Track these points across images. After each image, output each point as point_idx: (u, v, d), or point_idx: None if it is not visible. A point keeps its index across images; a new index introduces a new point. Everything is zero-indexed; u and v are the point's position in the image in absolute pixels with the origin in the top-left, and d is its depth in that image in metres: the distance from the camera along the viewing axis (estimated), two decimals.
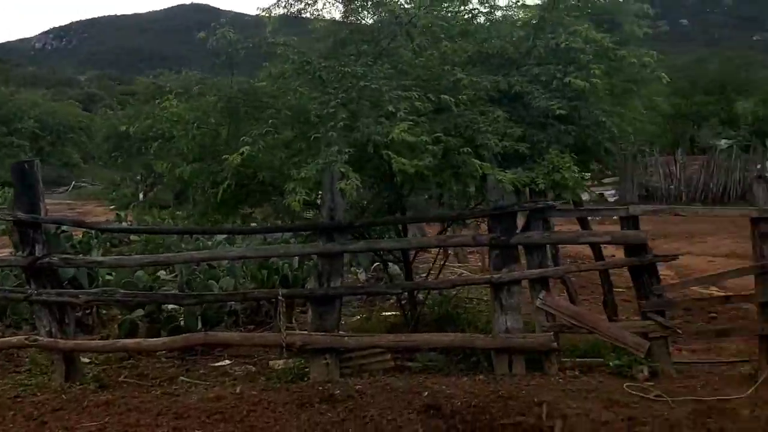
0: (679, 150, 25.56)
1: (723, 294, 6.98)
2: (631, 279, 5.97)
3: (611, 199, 24.28)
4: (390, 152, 4.78)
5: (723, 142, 25.15)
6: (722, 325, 6.67)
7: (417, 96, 4.94)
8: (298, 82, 5.55)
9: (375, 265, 10.90)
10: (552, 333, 5.76)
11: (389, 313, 8.49)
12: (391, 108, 4.76)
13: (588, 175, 7.56)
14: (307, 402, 5.52)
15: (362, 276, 11.23)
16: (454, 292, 8.14)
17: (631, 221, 5.77)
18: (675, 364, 6.24)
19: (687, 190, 23.25)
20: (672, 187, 23.59)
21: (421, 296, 7.34)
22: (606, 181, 28.63)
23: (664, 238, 16.61)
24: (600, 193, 25.80)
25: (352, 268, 10.86)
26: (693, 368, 6.20)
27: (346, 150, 4.78)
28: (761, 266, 5.47)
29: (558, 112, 5.51)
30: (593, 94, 5.74)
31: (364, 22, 6.64)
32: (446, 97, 5.13)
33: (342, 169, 4.81)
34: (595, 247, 6.28)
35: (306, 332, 6.05)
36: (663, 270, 12.98)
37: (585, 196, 23.55)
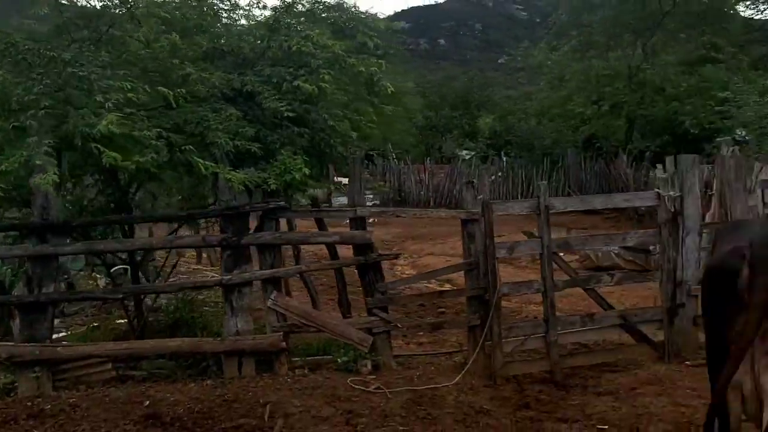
0: (429, 159, 27.53)
1: (440, 289, 7.53)
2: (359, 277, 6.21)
3: (369, 203, 25.43)
4: (100, 146, 4.45)
5: (464, 153, 27.60)
6: (439, 319, 7.20)
7: (131, 87, 4.65)
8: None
9: (115, 269, 10.22)
10: (282, 333, 5.79)
11: (124, 321, 8.00)
12: (100, 98, 4.44)
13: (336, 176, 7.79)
14: (12, 419, 5.02)
15: (101, 282, 10.48)
16: (195, 296, 7.91)
17: (359, 222, 6.01)
18: (399, 357, 6.63)
19: (435, 195, 25.08)
20: (422, 192, 25.32)
21: (149, 301, 6.98)
22: (367, 186, 30.03)
23: (413, 240, 17.80)
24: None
25: (93, 273, 10.09)
26: (414, 360, 6.62)
27: (48, 141, 4.36)
28: (468, 263, 6.00)
29: (287, 113, 5.56)
30: (323, 99, 5.89)
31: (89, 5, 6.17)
32: (164, 90, 4.93)
33: (39, 162, 4.37)
34: (331, 247, 6.45)
35: (12, 343, 5.45)
36: (407, 269, 13.83)
37: (343, 199, 24.08)
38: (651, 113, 20.33)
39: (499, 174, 24.28)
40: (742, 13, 26.51)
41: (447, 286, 10.17)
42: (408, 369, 6.27)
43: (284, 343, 5.75)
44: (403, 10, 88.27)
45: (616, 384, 5.91)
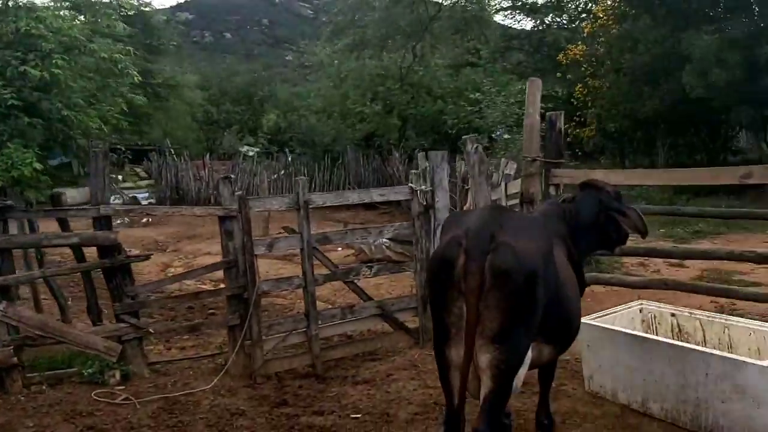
0: (209, 155, 26.69)
1: (198, 290, 7.26)
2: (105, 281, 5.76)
3: (144, 202, 24.05)
4: None
5: (246, 149, 27.19)
6: (196, 321, 6.94)
7: None
8: None
9: None
10: (12, 348, 5.18)
11: None
12: None
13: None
14: None
15: None
16: None
17: (103, 221, 5.56)
18: (157, 363, 6.27)
19: (215, 192, 24.36)
20: (202, 190, 24.47)
21: None
22: (142, 183, 28.39)
23: (189, 240, 17.10)
24: (133, 196, 25.42)
25: None
26: (174, 366, 6.30)
27: None
28: (227, 261, 5.82)
29: (11, 101, 4.97)
30: (57, 86, 5.36)
31: None
32: None
33: None
34: (77, 250, 5.89)
35: None
36: (182, 269, 13.19)
37: (115, 198, 22.42)
38: (420, 112, 21.51)
39: (283, 171, 24.25)
40: (501, 23, 29.10)
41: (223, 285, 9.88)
42: (164, 376, 5.95)
43: (15, 359, 5.14)
44: (187, 1, 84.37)
45: (374, 372, 6.10)
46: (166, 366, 6.26)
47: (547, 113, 7.07)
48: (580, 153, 26.05)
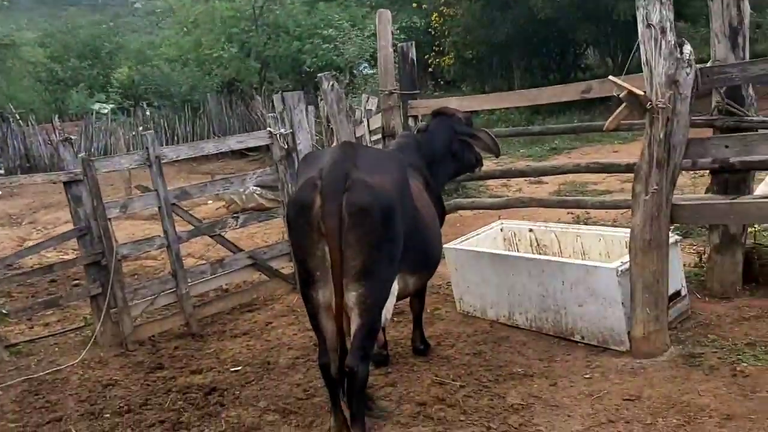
0: (57, 117, 24.80)
1: (49, 263, 6.80)
2: None
3: None
4: None
5: (98, 106, 25.47)
6: (53, 296, 6.54)
7: None
8: None
9: None
10: None
11: None
12: None
13: None
14: None
15: None
16: None
17: None
18: (17, 345, 5.88)
19: None
20: (54, 155, 22.81)
21: None
22: None
23: (45, 210, 16.00)
24: None
25: None
26: (37, 345, 5.93)
27: None
28: (79, 229, 5.47)
29: None
30: None
31: None
32: None
33: None
34: None
35: None
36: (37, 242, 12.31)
37: None
38: (278, 54, 20.91)
39: (141, 127, 22.98)
40: None
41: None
42: (26, 357, 5.60)
43: None
44: None
45: (253, 323, 6.04)
46: (29, 346, 5.88)
47: (398, 45, 7.06)
48: (442, 82, 26.51)
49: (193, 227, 6.07)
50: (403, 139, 4.78)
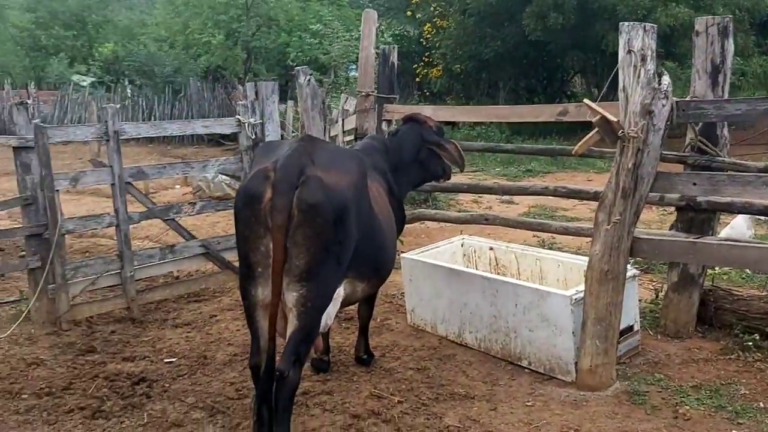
0: (32, 84, 24.31)
1: None
2: None
3: None
4: None
5: (77, 78, 25.00)
6: None
7: None
8: None
9: None
10: None
11: None
12: None
13: None
14: None
15: None
16: None
17: None
18: None
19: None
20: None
21: None
22: None
23: (7, 176, 15.55)
24: None
25: None
26: None
27: None
28: (24, 198, 5.22)
29: None
30: None
31: None
32: None
33: None
34: None
35: None
36: None
37: None
38: (264, 45, 20.68)
39: (119, 105, 22.55)
40: None
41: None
42: None
43: None
44: None
45: (198, 314, 5.85)
46: None
47: (381, 47, 6.92)
48: (428, 93, 26.44)
49: (146, 209, 5.85)
50: (370, 141, 4.63)
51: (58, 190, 5.24)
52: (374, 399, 4.17)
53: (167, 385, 4.41)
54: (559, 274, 5.10)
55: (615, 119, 3.64)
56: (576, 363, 4.23)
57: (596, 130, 3.71)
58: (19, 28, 31.93)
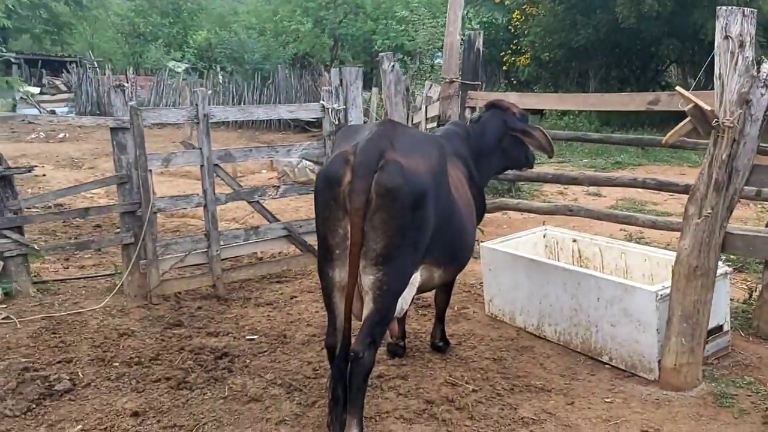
0: (131, 69, 25.42)
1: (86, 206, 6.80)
2: None
3: (68, 115, 22.86)
4: None
5: (172, 64, 25.97)
6: (84, 239, 6.61)
7: None
8: None
9: None
10: None
11: None
12: None
13: None
14: None
15: None
16: None
17: None
18: (49, 282, 5.98)
19: None
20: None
21: None
22: (62, 96, 26.93)
23: (108, 156, 16.34)
24: (52, 110, 24.14)
25: None
26: (67, 284, 6.01)
27: None
28: (120, 177, 5.48)
29: None
30: None
31: None
32: None
33: None
34: None
35: None
36: None
37: (32, 111, 21.27)
38: (350, 33, 20.83)
39: (210, 91, 23.26)
40: None
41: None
42: (54, 295, 5.68)
43: None
44: None
45: (279, 294, 5.99)
46: (59, 285, 5.97)
47: (466, 33, 6.84)
48: (515, 82, 25.98)
49: (232, 190, 6.02)
50: (452, 127, 4.59)
51: (151, 170, 5.47)
52: (448, 386, 4.16)
53: (248, 361, 4.54)
54: (645, 269, 4.93)
55: (709, 108, 3.46)
56: (659, 361, 4.09)
57: (689, 119, 3.54)
58: (120, 15, 33.44)
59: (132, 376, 4.24)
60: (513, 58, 23.55)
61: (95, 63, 26.06)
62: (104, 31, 35.48)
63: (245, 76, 23.83)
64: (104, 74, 24.63)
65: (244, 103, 22.38)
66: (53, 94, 26.70)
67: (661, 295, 4.05)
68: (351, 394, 3.20)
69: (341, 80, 6.48)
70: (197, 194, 5.86)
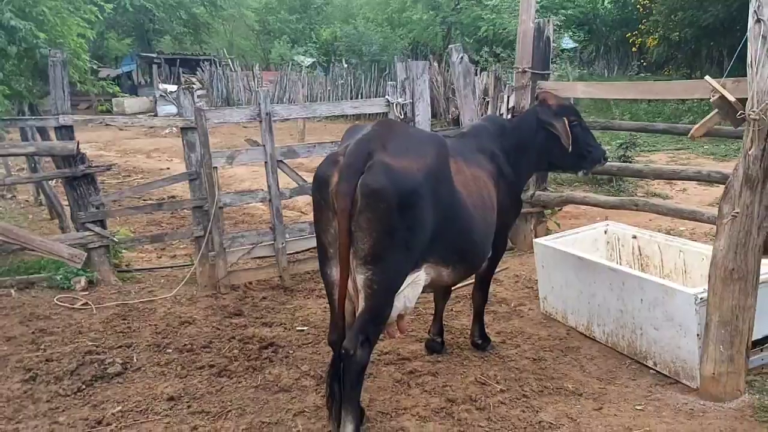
0: (257, 65, 26.60)
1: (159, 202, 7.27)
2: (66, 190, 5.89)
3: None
4: None
5: (302, 59, 26.86)
6: (160, 232, 7.06)
7: None
8: None
9: None
10: None
11: None
12: None
13: None
14: None
15: None
16: None
17: (64, 131, 5.63)
18: (139, 271, 6.47)
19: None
20: (251, 100, 24.55)
21: None
22: (197, 93, 28.70)
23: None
24: None
25: None
26: (153, 273, 6.48)
27: None
28: (189, 173, 5.84)
29: None
30: None
31: None
32: None
33: None
34: (31, 160, 6.03)
35: None
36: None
37: (170, 108, 22.49)
38: (459, 20, 20.57)
39: (335, 83, 23.84)
40: None
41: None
42: (135, 283, 6.15)
43: None
44: None
45: None
46: (148, 274, 6.45)
47: (536, 20, 6.61)
48: (645, 64, 24.52)
49: (297, 185, 6.23)
50: (483, 123, 4.50)
51: (216, 167, 5.77)
52: (477, 385, 4.12)
53: (291, 351, 4.71)
54: (704, 268, 4.57)
55: (734, 99, 3.17)
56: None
57: (716, 111, 3.26)
58: (255, 11, 35.03)
59: (180, 362, 4.53)
60: (641, 39, 22.27)
61: (229, 60, 27.50)
62: (240, 30, 37.31)
63: (363, 68, 24.22)
64: (233, 70, 25.96)
65: (362, 96, 22.74)
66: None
67: (701, 299, 3.78)
68: (345, 391, 3.26)
69: (407, 74, 6.49)
70: (262, 190, 6.12)
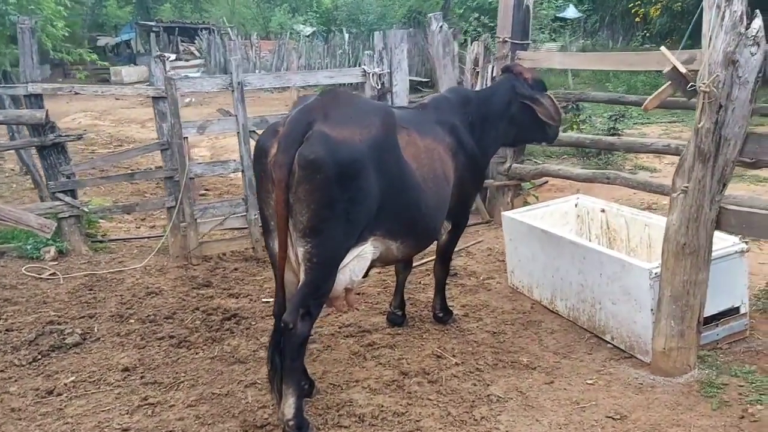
0: (255, 34, 26.32)
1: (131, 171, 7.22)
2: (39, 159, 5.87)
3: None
4: None
5: (302, 28, 26.56)
6: (132, 202, 7.04)
7: None
8: None
9: None
10: None
11: None
12: None
13: None
14: None
15: None
16: None
17: (33, 99, 5.57)
18: (114, 241, 6.46)
19: (260, 72, 24.25)
20: (248, 70, 24.33)
21: None
22: (195, 62, 28.46)
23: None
24: (185, 75, 25.56)
25: None
26: (127, 244, 6.47)
27: None
28: (161, 143, 5.80)
29: None
30: None
31: None
32: None
33: None
34: (10, 128, 6.00)
35: None
36: (203, 151, 13.27)
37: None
38: None
39: (333, 52, 23.60)
40: None
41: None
42: (108, 253, 6.14)
43: None
44: None
45: None
46: (122, 244, 6.44)
47: None
48: (648, 35, 24.16)
49: None
50: (445, 94, 4.42)
51: (186, 137, 5.73)
52: (433, 358, 4.12)
53: (253, 323, 4.71)
54: None
55: (685, 70, 3.09)
56: None
57: (669, 83, 3.18)
58: None
59: (140, 332, 4.54)
60: (644, 9, 21.91)
61: (228, 29, 27.21)
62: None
63: (361, 37, 23.94)
64: (231, 40, 25.71)
65: (358, 64, 22.48)
66: (187, 60, 28.28)
67: (656, 273, 3.74)
68: (285, 365, 3.24)
69: (384, 43, 6.40)
70: (234, 160, 6.08)
